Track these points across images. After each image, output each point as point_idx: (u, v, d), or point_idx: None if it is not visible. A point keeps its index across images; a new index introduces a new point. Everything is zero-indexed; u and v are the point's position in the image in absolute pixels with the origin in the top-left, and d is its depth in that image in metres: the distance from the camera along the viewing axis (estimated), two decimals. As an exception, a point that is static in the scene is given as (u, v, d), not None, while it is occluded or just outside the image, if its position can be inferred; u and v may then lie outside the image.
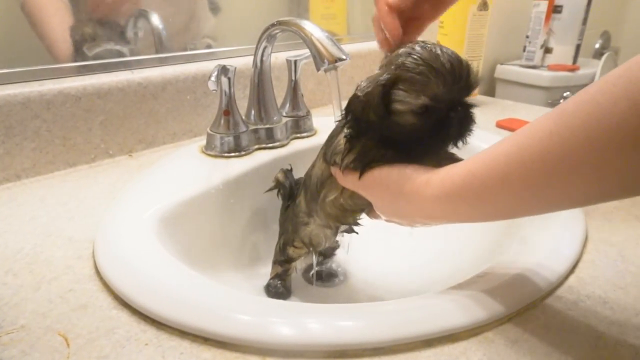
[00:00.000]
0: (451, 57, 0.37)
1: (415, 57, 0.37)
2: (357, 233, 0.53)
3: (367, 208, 0.45)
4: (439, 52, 0.36)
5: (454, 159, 0.38)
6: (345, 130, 0.41)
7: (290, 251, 0.53)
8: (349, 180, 0.42)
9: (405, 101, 0.37)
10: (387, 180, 0.38)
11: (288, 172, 0.55)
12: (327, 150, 0.45)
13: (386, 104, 0.37)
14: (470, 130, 0.39)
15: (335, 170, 0.43)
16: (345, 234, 0.54)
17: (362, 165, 0.40)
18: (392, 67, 0.38)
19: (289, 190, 0.54)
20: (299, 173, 0.54)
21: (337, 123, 0.44)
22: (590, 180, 0.27)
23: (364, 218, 0.48)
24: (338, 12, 0.96)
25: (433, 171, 0.36)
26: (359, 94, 0.38)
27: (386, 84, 0.37)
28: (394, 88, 0.37)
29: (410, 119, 0.37)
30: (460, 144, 0.39)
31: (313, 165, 0.49)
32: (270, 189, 0.56)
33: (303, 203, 0.50)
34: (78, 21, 0.63)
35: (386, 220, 0.43)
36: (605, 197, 0.29)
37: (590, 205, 0.29)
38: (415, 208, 0.37)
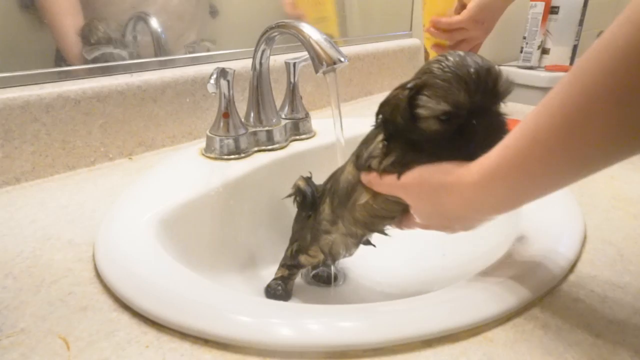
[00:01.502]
0: (479, 65, 0.37)
1: (443, 64, 0.37)
2: (374, 246, 0.53)
3: (399, 217, 0.45)
4: (467, 60, 0.37)
5: None
6: (382, 134, 0.42)
7: (302, 259, 0.53)
8: (386, 183, 0.42)
9: (428, 107, 0.38)
10: (427, 176, 0.39)
11: (309, 180, 0.53)
12: (360, 155, 0.45)
13: (412, 109, 0.38)
14: (501, 139, 0.38)
15: (369, 175, 0.43)
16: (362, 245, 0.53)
17: (401, 165, 0.40)
18: (421, 72, 0.39)
19: (312, 198, 0.51)
20: (297, 175, 0.54)
21: (372, 127, 0.45)
22: (612, 113, 0.27)
23: (390, 229, 0.48)
24: (328, 15, 0.97)
25: (472, 162, 0.36)
26: (379, 106, 0.40)
27: (413, 89, 0.38)
28: (419, 93, 0.38)
29: (434, 125, 0.38)
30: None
31: (342, 171, 0.48)
32: (289, 196, 0.53)
33: (328, 210, 0.49)
34: (90, 22, 0.64)
35: (422, 227, 0.43)
36: (633, 134, 0.28)
37: (623, 156, 0.29)
38: (458, 200, 0.37)
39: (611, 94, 0.27)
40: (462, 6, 0.79)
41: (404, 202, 0.42)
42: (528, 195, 0.35)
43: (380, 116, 0.42)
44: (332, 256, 0.51)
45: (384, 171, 0.42)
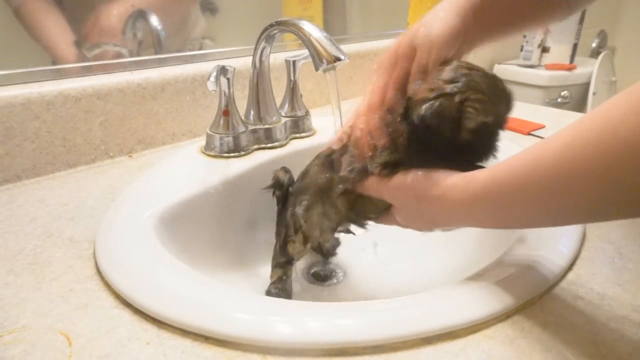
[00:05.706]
0: (501, 80, 0.39)
1: (479, 79, 0.38)
2: (354, 234, 0.53)
3: (379, 216, 0.46)
4: (488, 73, 0.39)
5: (478, 166, 0.40)
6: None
7: (290, 249, 0.53)
8: (373, 185, 0.42)
9: (474, 119, 0.38)
10: (413, 183, 0.39)
11: (288, 170, 0.54)
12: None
13: (459, 121, 0.38)
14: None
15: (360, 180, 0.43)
16: (343, 234, 0.54)
17: (389, 168, 0.41)
18: (457, 85, 0.38)
19: (288, 184, 0.52)
20: (297, 173, 0.54)
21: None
22: (598, 192, 0.28)
23: (370, 224, 0.48)
24: (315, 13, 0.96)
25: (459, 175, 0.37)
26: (426, 111, 0.38)
27: (461, 102, 0.38)
28: (465, 105, 0.38)
29: (466, 135, 0.38)
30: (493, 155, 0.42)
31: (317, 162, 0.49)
32: (269, 187, 0.54)
33: (307, 195, 0.49)
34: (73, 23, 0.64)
35: (402, 226, 0.44)
36: (613, 210, 0.29)
37: (599, 220, 0.31)
38: (439, 211, 0.38)
39: (602, 176, 0.27)
40: None
41: (386, 202, 0.43)
42: (503, 226, 0.37)
43: (425, 128, 0.39)
44: (310, 239, 0.50)
45: (371, 174, 0.42)
